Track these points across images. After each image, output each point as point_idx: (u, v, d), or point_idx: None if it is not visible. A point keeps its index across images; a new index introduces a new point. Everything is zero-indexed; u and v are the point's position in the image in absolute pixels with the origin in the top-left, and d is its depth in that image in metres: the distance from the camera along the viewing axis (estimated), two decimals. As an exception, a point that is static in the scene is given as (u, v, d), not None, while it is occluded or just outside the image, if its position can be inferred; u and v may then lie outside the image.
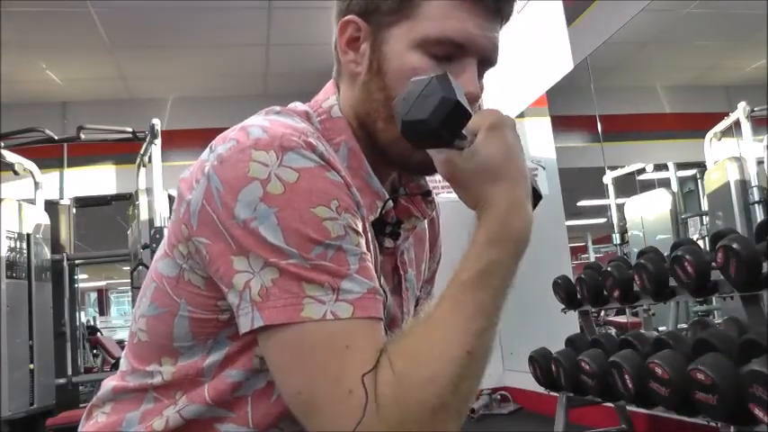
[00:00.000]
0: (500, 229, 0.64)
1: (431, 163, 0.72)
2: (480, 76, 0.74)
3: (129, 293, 7.25)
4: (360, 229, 0.66)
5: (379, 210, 0.75)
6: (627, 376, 1.66)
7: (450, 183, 0.67)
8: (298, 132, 0.66)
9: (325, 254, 0.61)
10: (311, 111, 0.76)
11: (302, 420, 0.62)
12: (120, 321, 13.09)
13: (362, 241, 0.66)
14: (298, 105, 0.77)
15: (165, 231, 0.76)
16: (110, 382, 0.80)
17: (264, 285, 0.61)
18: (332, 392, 0.59)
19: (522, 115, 3.92)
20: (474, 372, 0.61)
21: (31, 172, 4.05)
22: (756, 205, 2.93)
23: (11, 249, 3.43)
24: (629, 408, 2.20)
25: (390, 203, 0.77)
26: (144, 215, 3.77)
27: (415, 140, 0.63)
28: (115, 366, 5.03)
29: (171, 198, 3.74)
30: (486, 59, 0.73)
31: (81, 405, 4.05)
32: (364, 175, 0.74)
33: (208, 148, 0.69)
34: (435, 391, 0.58)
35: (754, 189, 2.94)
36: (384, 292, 0.76)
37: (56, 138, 4.01)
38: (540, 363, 2.18)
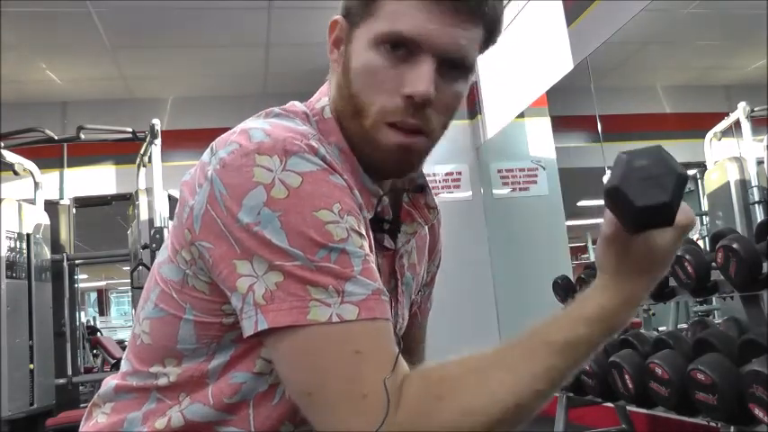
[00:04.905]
0: (613, 313, 0.62)
1: (391, 165, 0.72)
2: (450, 78, 0.71)
3: (129, 293, 7.25)
4: (363, 232, 0.66)
5: (375, 206, 0.75)
6: (627, 376, 1.66)
7: (606, 240, 0.64)
8: (300, 136, 0.66)
9: (328, 257, 0.61)
10: (308, 111, 0.76)
11: (313, 422, 0.63)
12: (120, 321, 13.10)
13: (365, 243, 0.66)
14: (296, 105, 0.77)
15: (166, 233, 0.76)
16: (111, 381, 0.79)
17: (268, 289, 0.61)
18: (345, 394, 0.59)
19: (522, 115, 3.93)
20: (514, 423, 0.61)
21: (31, 172, 4.05)
22: (756, 205, 2.93)
23: (11, 249, 3.42)
24: (629, 408, 2.20)
25: (386, 200, 0.77)
26: (144, 215, 3.76)
27: (649, 225, 0.58)
28: (115, 366, 5.04)
29: (171, 198, 3.74)
30: (448, 58, 0.70)
31: (81, 405, 4.05)
32: (358, 175, 0.74)
33: (209, 150, 0.69)
34: (470, 423, 0.59)
35: (754, 189, 2.94)
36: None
37: (56, 138, 4.01)
38: (540, 363, 2.18)
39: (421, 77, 0.68)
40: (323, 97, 0.78)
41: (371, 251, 0.69)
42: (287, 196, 0.62)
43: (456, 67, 0.71)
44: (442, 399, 0.59)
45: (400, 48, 0.69)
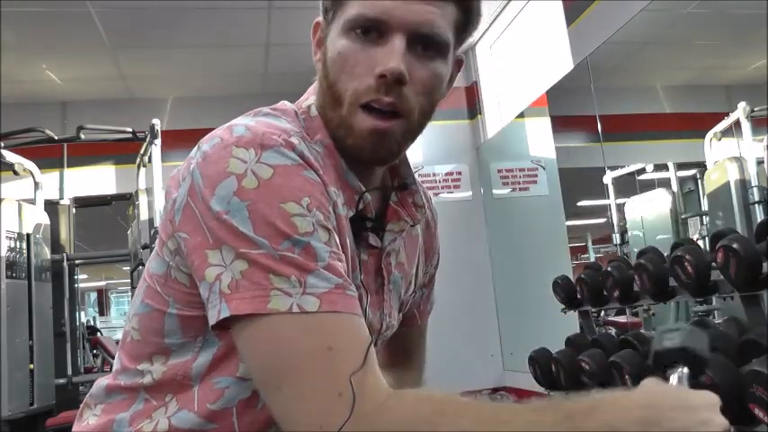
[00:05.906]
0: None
1: (368, 151, 0.73)
2: (426, 57, 0.72)
3: (129, 293, 7.24)
4: (331, 227, 0.66)
5: (356, 204, 0.75)
6: (627, 376, 1.66)
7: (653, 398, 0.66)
8: (280, 131, 0.68)
9: (292, 248, 0.62)
10: (297, 110, 0.78)
11: (281, 417, 0.62)
12: (120, 321, 13.09)
13: (335, 240, 0.66)
14: (286, 104, 0.79)
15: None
16: (103, 381, 0.80)
17: (234, 278, 0.61)
18: (320, 391, 0.59)
19: (522, 115, 3.92)
20: None
21: (31, 172, 4.05)
22: (756, 205, 2.92)
23: (11, 249, 3.42)
24: (629, 408, 2.20)
25: (368, 197, 0.77)
26: (144, 215, 3.77)
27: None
28: (115, 366, 5.03)
29: (171, 198, 3.74)
30: (419, 34, 0.70)
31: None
32: (341, 172, 0.75)
33: (196, 146, 0.70)
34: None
35: (754, 189, 2.93)
36: (366, 289, 0.77)
37: (56, 138, 4.01)
38: (540, 363, 2.18)
39: (391, 55, 0.69)
40: (310, 97, 0.79)
41: (346, 249, 0.70)
42: (257, 187, 0.63)
43: (430, 45, 0.72)
44: (442, 414, 0.59)
45: (371, 31, 0.70)
